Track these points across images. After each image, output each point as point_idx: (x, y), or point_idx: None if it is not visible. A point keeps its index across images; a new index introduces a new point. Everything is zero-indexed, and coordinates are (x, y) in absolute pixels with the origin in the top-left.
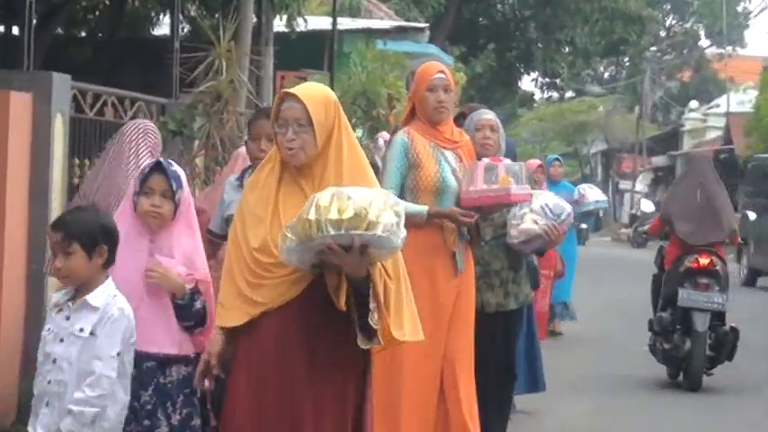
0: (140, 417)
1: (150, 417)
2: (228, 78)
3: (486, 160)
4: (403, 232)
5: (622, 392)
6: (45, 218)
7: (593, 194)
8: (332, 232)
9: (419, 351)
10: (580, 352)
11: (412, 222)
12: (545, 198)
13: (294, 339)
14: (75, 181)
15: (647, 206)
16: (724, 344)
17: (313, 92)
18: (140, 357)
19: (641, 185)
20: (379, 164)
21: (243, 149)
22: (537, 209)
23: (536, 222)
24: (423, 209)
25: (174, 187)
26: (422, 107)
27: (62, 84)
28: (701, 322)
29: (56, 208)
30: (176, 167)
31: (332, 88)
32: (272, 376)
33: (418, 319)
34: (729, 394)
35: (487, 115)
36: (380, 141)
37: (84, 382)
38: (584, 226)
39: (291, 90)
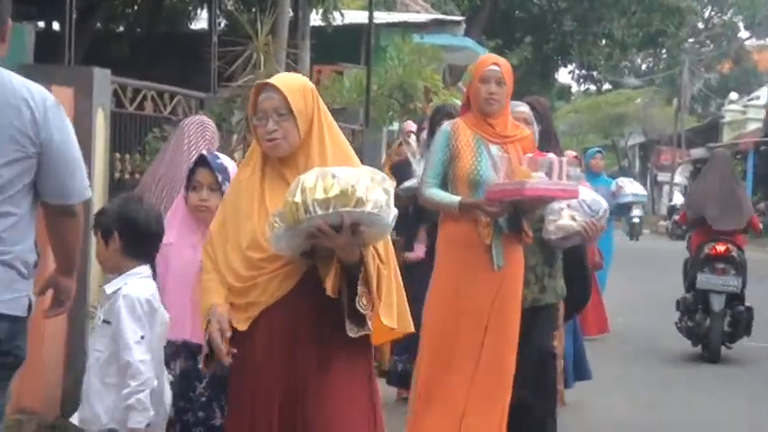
0: (195, 408)
1: (205, 408)
2: (266, 72)
3: (508, 156)
4: (393, 210)
5: (661, 384)
6: (87, 212)
7: (631, 188)
8: (320, 212)
9: (452, 347)
10: (617, 344)
11: (447, 213)
12: (582, 194)
13: (294, 335)
14: (117, 175)
15: (679, 198)
16: (740, 321)
17: (290, 81)
18: (196, 348)
19: (680, 177)
20: (412, 157)
21: None
22: (574, 204)
23: (574, 219)
24: (455, 199)
25: (221, 179)
26: (474, 98)
27: (103, 78)
28: (718, 303)
29: (97, 202)
30: (223, 160)
31: (368, 81)
32: (275, 374)
33: (408, 311)
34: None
35: (520, 107)
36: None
37: (125, 375)
38: (636, 221)
39: (268, 80)
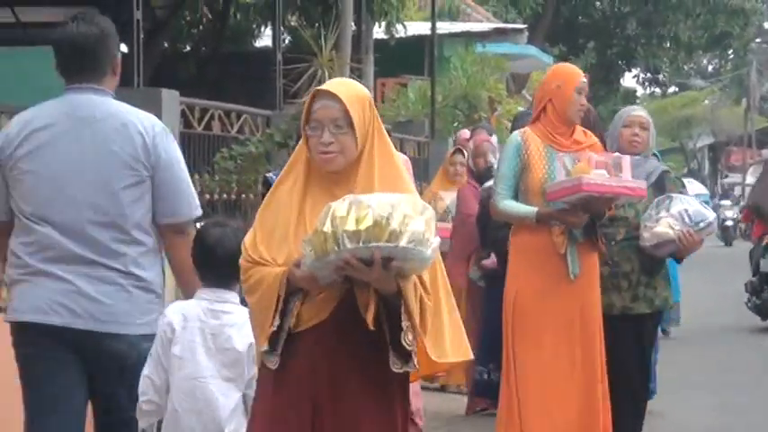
0: None
1: None
2: None
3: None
4: (435, 242)
5: (743, 388)
6: None
7: (692, 188)
8: (349, 246)
9: (542, 362)
10: (696, 349)
11: (524, 224)
12: (686, 204)
13: (334, 363)
14: None
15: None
16: None
17: (351, 89)
18: None
19: (751, 178)
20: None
21: None
22: (675, 213)
23: (671, 227)
24: (532, 210)
25: None
26: (563, 106)
27: (171, 100)
28: None
29: None
30: None
31: (433, 93)
32: (305, 403)
33: (465, 337)
34: None
35: (638, 112)
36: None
37: None
38: (729, 223)
39: (326, 87)
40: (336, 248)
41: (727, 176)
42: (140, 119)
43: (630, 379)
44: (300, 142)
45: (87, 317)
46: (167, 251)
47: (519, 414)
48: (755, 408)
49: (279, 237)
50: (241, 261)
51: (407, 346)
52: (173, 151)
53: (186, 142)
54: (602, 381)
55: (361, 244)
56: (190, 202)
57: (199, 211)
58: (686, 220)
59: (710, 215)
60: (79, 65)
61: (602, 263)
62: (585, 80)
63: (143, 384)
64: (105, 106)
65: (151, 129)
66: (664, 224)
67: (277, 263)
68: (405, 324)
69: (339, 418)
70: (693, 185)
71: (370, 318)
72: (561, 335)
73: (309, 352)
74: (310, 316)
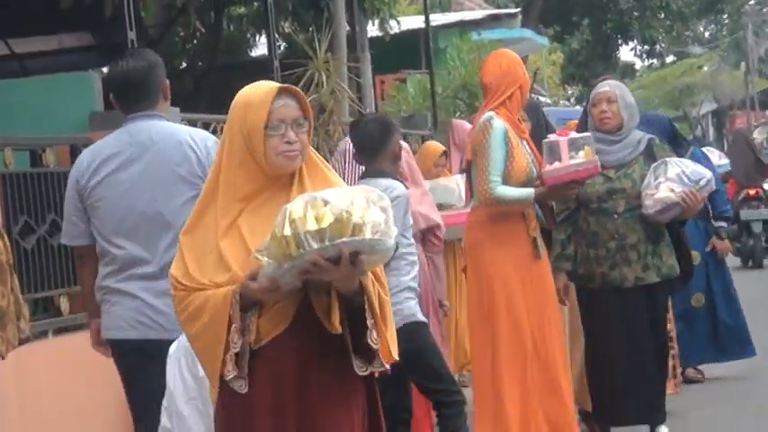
0: None
1: None
2: (329, 89)
3: (571, 135)
4: (395, 230)
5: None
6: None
7: (713, 157)
8: (315, 246)
9: (513, 324)
10: None
11: (515, 209)
12: (682, 165)
13: (292, 376)
14: None
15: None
16: None
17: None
18: None
19: (759, 139)
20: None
21: (343, 145)
22: (673, 177)
23: (672, 190)
24: (530, 191)
25: None
26: (526, 94)
27: (173, 117)
28: (757, 227)
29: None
30: None
31: (432, 85)
32: (270, 418)
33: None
34: None
35: (603, 88)
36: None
37: None
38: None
39: (285, 85)
40: (301, 251)
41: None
42: (192, 135)
43: (650, 350)
44: (225, 155)
45: (158, 328)
46: None
47: (503, 403)
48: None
49: (214, 259)
50: (173, 292)
51: (374, 345)
52: None
53: None
54: (563, 354)
55: (327, 242)
56: None
57: None
58: (686, 180)
59: (707, 173)
60: (134, 97)
61: (609, 237)
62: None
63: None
64: (161, 129)
65: (203, 143)
66: (664, 189)
67: (218, 285)
68: (370, 322)
69: (306, 428)
70: (714, 155)
71: (336, 321)
72: (535, 317)
73: (271, 366)
74: (269, 329)
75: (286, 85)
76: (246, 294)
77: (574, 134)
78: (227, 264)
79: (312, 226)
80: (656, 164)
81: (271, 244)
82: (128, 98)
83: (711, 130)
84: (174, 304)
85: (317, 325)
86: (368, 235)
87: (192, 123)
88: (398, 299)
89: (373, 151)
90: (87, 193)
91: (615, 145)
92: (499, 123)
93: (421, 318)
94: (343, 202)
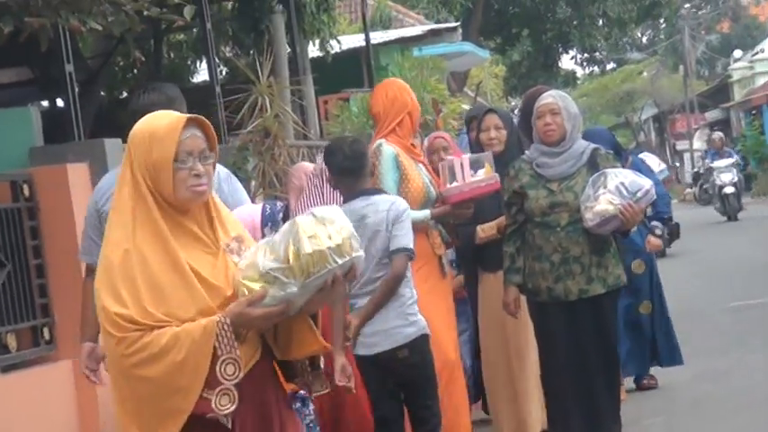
0: None
1: None
2: (273, 113)
3: (470, 155)
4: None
5: (717, 353)
6: None
7: (651, 162)
8: (339, 261)
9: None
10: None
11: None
12: (621, 177)
13: (258, 403)
14: None
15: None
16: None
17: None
18: None
19: (699, 143)
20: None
21: (301, 167)
22: (612, 188)
23: (611, 203)
24: (425, 213)
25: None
26: (413, 125)
27: (114, 148)
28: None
29: None
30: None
31: None
32: None
33: None
34: None
35: (545, 100)
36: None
37: None
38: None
39: (192, 116)
40: (327, 266)
41: (675, 145)
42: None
43: (599, 360)
44: (129, 189)
45: None
46: None
47: None
48: (728, 371)
49: (174, 291)
50: (119, 334)
51: (321, 365)
52: (237, 192)
53: None
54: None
55: (346, 257)
56: None
57: None
58: (624, 192)
59: (646, 183)
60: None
61: (552, 251)
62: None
63: None
64: None
65: (216, 176)
66: (603, 201)
67: (183, 319)
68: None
69: None
70: (651, 159)
71: (321, 341)
72: (436, 321)
73: (245, 397)
74: (248, 359)
75: (192, 115)
76: (238, 323)
77: (470, 154)
78: (194, 295)
79: (334, 242)
80: (594, 176)
81: (294, 263)
82: None
83: (654, 135)
84: (117, 348)
85: (270, 353)
86: (360, 251)
87: None
88: (413, 310)
89: (358, 171)
90: (105, 215)
91: (558, 157)
92: (388, 149)
93: (428, 330)
94: (343, 220)
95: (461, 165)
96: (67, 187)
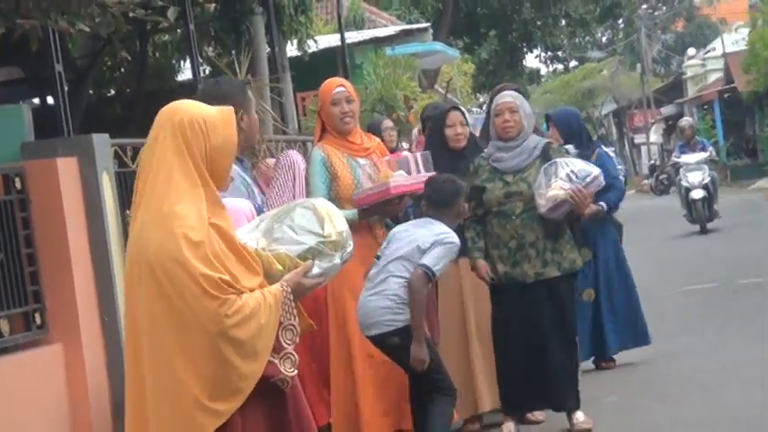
0: None
1: None
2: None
3: (368, 162)
4: None
5: (667, 336)
6: (108, 271)
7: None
8: (351, 244)
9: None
10: None
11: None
12: (571, 165)
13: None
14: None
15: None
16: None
17: None
18: None
19: (655, 136)
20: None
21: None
22: (563, 176)
23: (562, 188)
24: (353, 212)
25: None
26: (329, 121)
27: (102, 143)
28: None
29: (116, 256)
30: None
31: None
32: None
33: None
34: None
35: (504, 99)
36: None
37: None
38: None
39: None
40: (349, 245)
41: (633, 138)
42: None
43: (557, 341)
44: (186, 169)
45: None
46: None
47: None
48: (679, 352)
49: (238, 264)
50: (223, 296)
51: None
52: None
53: (123, 181)
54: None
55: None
56: None
57: None
58: (574, 179)
59: (595, 170)
60: None
61: (509, 237)
62: (342, 89)
63: None
64: None
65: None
66: (555, 188)
67: (250, 288)
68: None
69: None
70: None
71: (308, 319)
72: None
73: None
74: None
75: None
76: (296, 292)
77: (406, 153)
78: (250, 267)
79: (341, 227)
80: (546, 165)
81: (327, 242)
82: None
83: (614, 129)
84: (221, 309)
85: None
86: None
87: (123, 148)
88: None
89: (439, 204)
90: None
91: (512, 151)
92: (317, 154)
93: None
94: (329, 210)
95: (365, 169)
96: (57, 180)
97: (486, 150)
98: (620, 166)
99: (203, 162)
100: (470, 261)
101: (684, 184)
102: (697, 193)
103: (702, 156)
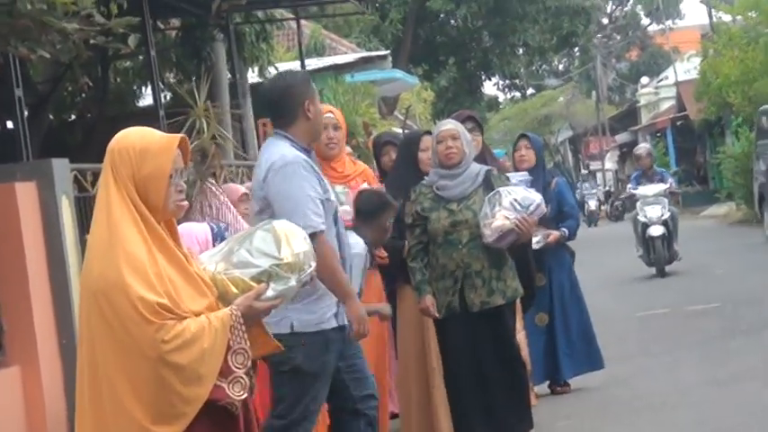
0: None
1: None
2: (210, 135)
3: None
4: None
5: (623, 359)
6: (66, 295)
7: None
8: (312, 264)
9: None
10: None
11: None
12: (514, 193)
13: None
14: None
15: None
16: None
17: None
18: None
19: (610, 163)
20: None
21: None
22: (507, 205)
23: (507, 218)
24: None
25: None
26: (317, 147)
27: (62, 168)
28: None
29: (74, 277)
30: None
31: None
32: None
33: None
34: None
35: (446, 126)
36: None
37: None
38: (593, 208)
39: (179, 135)
40: (309, 266)
41: (588, 165)
42: (272, 157)
43: (502, 368)
44: (119, 198)
45: None
46: None
47: None
48: (637, 375)
49: (184, 287)
50: (158, 320)
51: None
52: (282, 183)
53: (82, 206)
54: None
55: (313, 263)
56: (302, 221)
57: (313, 228)
58: (518, 207)
59: (537, 197)
60: (271, 116)
61: (455, 266)
62: (331, 115)
63: None
64: (268, 148)
65: (266, 164)
66: (500, 217)
67: (196, 313)
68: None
69: None
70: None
71: (274, 342)
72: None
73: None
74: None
75: (180, 135)
76: (246, 316)
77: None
78: (200, 291)
79: (305, 247)
80: (490, 195)
81: (283, 265)
82: (270, 117)
83: (570, 156)
84: (157, 335)
85: None
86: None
87: (83, 173)
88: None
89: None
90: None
91: (456, 179)
92: None
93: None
94: (291, 232)
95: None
96: (16, 204)
97: (427, 178)
98: (588, 185)
99: (135, 190)
100: (419, 294)
101: (642, 219)
102: (656, 230)
103: (661, 188)
